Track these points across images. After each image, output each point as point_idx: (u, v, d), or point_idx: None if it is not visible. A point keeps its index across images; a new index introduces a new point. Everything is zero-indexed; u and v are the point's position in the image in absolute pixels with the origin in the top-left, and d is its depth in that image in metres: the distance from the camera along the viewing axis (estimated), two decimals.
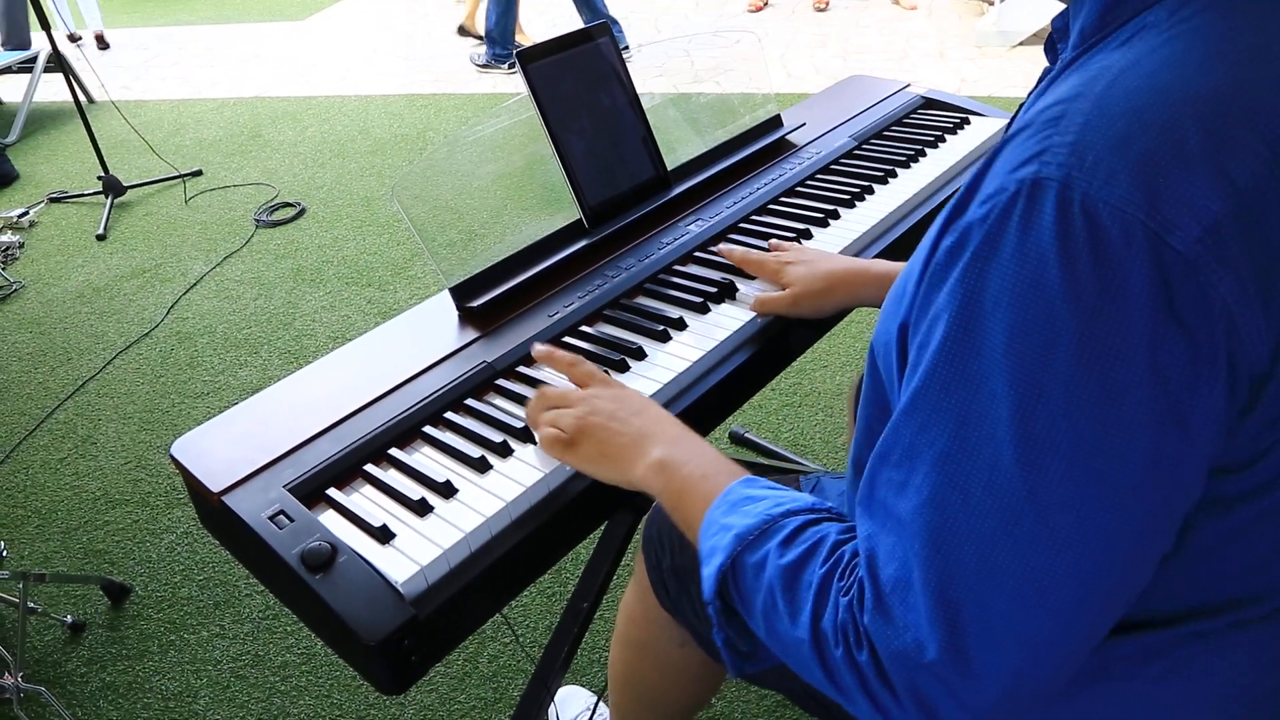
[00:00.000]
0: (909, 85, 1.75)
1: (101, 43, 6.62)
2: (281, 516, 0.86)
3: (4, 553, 1.90)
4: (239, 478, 0.91)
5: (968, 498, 0.54)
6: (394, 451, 0.94)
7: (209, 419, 1.02)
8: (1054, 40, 0.68)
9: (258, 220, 3.70)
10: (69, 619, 1.93)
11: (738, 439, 2.28)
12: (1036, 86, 0.68)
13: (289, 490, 0.89)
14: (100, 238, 3.72)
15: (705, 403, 1.01)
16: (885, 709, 0.59)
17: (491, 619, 1.86)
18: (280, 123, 4.80)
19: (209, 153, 4.47)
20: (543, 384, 1.03)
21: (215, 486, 0.90)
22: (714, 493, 0.75)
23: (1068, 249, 0.49)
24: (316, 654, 1.85)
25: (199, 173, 4.21)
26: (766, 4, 5.83)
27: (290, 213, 3.73)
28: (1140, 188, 0.48)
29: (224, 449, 0.96)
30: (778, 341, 1.11)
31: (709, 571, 0.72)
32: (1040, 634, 0.54)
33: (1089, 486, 0.51)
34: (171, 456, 0.97)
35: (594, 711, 1.59)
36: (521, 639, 1.84)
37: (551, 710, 1.63)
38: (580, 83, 1.27)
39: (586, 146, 1.26)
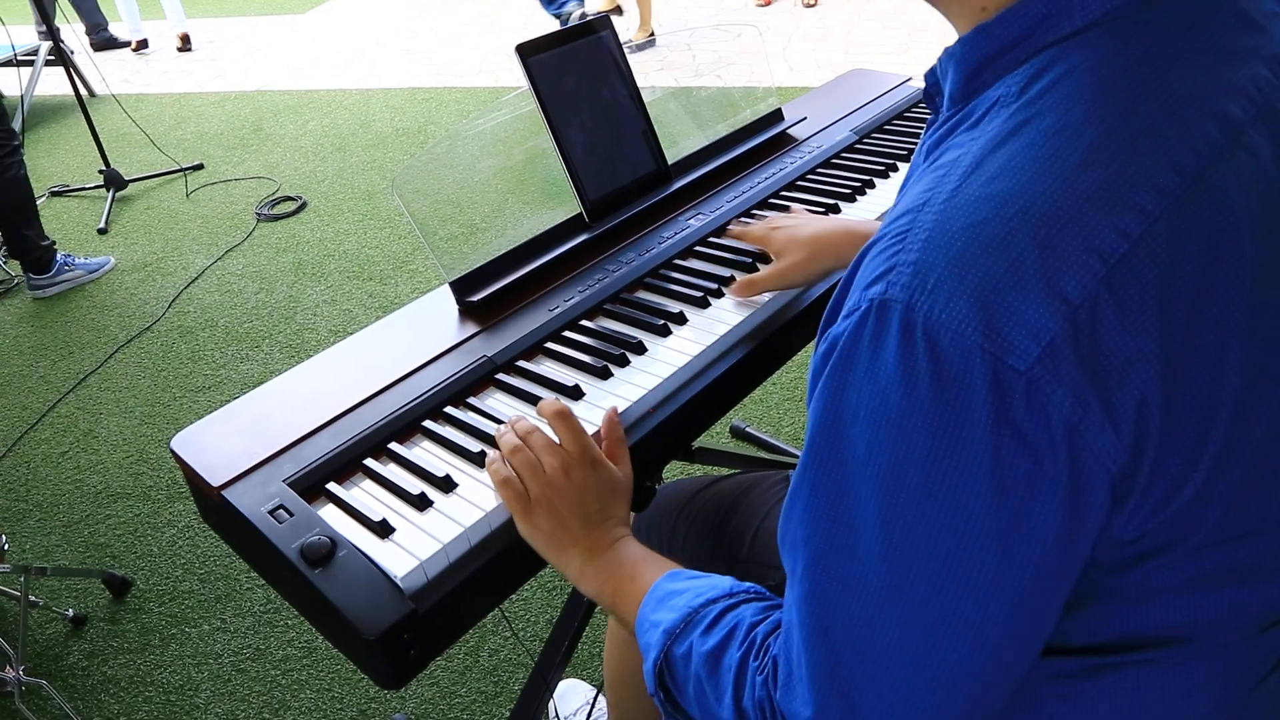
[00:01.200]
0: (910, 79, 1.75)
1: (186, 44, 6.23)
2: (281, 511, 0.86)
3: (5, 546, 1.90)
4: (239, 472, 0.91)
5: (844, 588, 0.57)
6: (394, 446, 0.94)
7: (211, 413, 1.02)
8: (930, 94, 0.68)
9: (259, 214, 3.70)
10: (70, 613, 1.94)
11: (739, 433, 2.28)
12: (918, 149, 0.68)
13: (289, 485, 0.89)
14: (101, 231, 3.72)
15: (705, 398, 1.01)
16: None
17: (492, 614, 1.86)
18: (281, 116, 4.79)
19: (210, 146, 4.47)
20: (537, 386, 1.03)
21: (215, 481, 0.91)
22: (642, 592, 0.78)
23: (911, 371, 0.51)
24: (317, 648, 1.85)
25: (200, 166, 4.21)
26: (772, 0, 5.80)
27: (291, 207, 3.73)
28: (978, 311, 0.49)
29: (224, 443, 0.96)
30: (779, 336, 1.10)
31: (647, 667, 0.75)
32: (931, 703, 0.56)
33: (948, 585, 0.53)
34: (172, 451, 0.97)
35: (593, 705, 1.59)
36: (521, 634, 1.84)
37: (551, 704, 1.64)
38: (581, 76, 1.27)
39: (587, 140, 1.26)
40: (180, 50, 6.20)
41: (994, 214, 0.51)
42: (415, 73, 5.28)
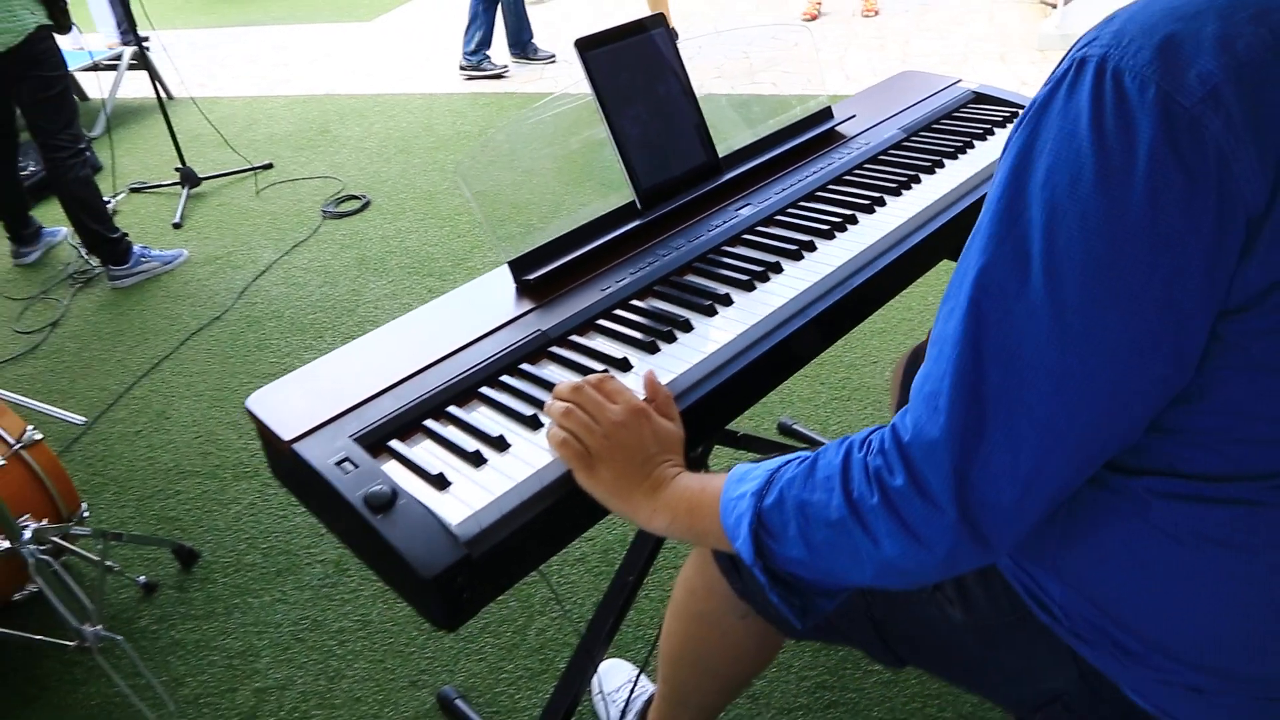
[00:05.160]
0: (960, 80, 1.77)
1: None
2: (347, 463, 0.92)
3: (85, 514, 2.01)
4: (308, 427, 0.97)
5: (1003, 304, 0.65)
6: (452, 409, 1.00)
7: None
8: None
9: (325, 211, 3.83)
10: (142, 579, 2.04)
11: (786, 430, 2.31)
12: None
13: (354, 440, 0.95)
14: (176, 226, 3.88)
15: (748, 374, 1.05)
16: (930, 529, 0.69)
17: (540, 595, 1.92)
18: (348, 119, 4.94)
19: (280, 147, 4.63)
20: (589, 359, 1.08)
21: (287, 435, 0.97)
22: (716, 496, 0.85)
23: (1098, 104, 0.62)
24: (371, 621, 1.93)
25: (270, 166, 4.37)
26: (819, 14, 5.82)
27: (356, 205, 3.86)
28: (1160, 59, 0.60)
29: (295, 402, 1.02)
30: (826, 318, 1.14)
31: (742, 538, 0.80)
32: (1055, 423, 0.65)
33: (1097, 289, 0.62)
34: (247, 409, 1.04)
35: (635, 684, 1.64)
36: (569, 614, 1.89)
37: (595, 680, 1.68)
38: (636, 71, 1.32)
39: (640, 131, 1.32)
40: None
41: (1188, 2, 0.62)
42: (479, 80, 5.40)
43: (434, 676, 1.80)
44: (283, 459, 0.99)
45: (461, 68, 5.38)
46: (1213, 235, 0.60)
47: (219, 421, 2.62)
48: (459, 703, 1.71)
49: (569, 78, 5.16)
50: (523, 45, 5.50)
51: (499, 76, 5.33)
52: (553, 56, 5.52)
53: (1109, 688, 0.81)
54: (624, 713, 1.58)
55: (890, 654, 1.01)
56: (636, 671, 1.69)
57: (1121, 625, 0.78)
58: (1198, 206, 0.59)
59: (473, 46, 5.30)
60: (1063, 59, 0.67)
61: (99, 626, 1.65)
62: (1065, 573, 0.80)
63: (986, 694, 0.97)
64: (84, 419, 1.76)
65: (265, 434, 1.02)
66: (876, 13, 5.67)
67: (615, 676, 1.70)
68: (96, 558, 1.87)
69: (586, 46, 1.28)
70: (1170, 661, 0.76)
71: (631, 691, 1.61)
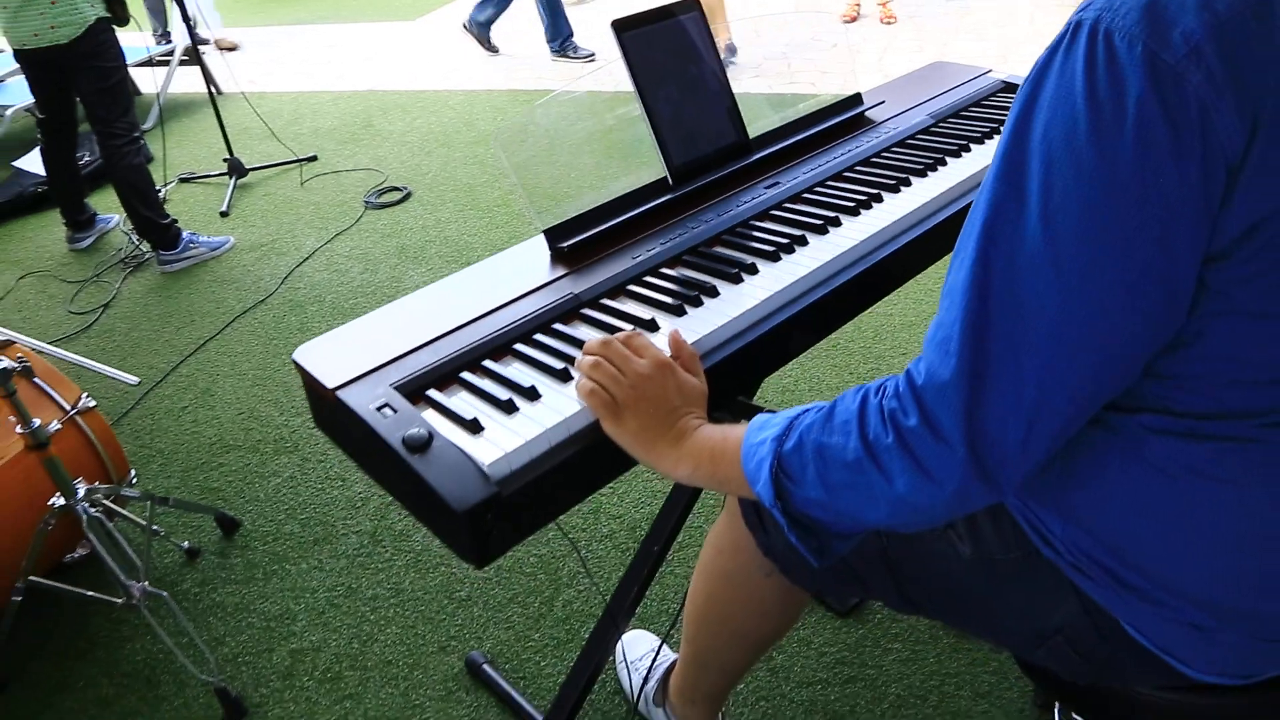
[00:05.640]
0: (990, 70, 1.80)
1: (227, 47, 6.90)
2: (387, 409, 0.98)
3: (134, 480, 2.09)
4: (351, 376, 1.03)
5: (1006, 251, 0.70)
6: (487, 363, 1.05)
7: None
8: None
9: (367, 202, 3.92)
10: (185, 545, 2.12)
11: None
12: None
13: (394, 388, 1.00)
14: (223, 214, 4.00)
15: (771, 339, 1.10)
16: (941, 466, 0.73)
17: (568, 566, 1.96)
18: (390, 114, 5.05)
19: (324, 140, 4.74)
20: (619, 320, 1.13)
21: (330, 384, 1.03)
22: (738, 443, 0.89)
23: (1091, 63, 0.67)
24: (404, 589, 1.99)
25: (314, 158, 4.47)
26: (859, 16, 5.83)
27: (397, 196, 3.95)
28: (1147, 19, 0.65)
29: (338, 355, 1.08)
30: (849, 289, 1.18)
31: (762, 481, 0.84)
32: (1056, 364, 0.69)
33: (1092, 233, 0.67)
34: (294, 361, 1.10)
35: (658, 653, 1.68)
36: (597, 585, 1.94)
37: (619, 649, 1.73)
38: (670, 52, 1.37)
39: (673, 110, 1.36)
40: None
41: None
42: (518, 76, 5.49)
43: (463, 643, 1.85)
44: (326, 406, 1.05)
45: (464, 26, 5.87)
46: (1199, 180, 0.64)
47: (261, 399, 2.70)
48: (486, 668, 1.77)
49: (609, 75, 5.22)
50: (562, 43, 5.58)
51: (493, 51, 5.78)
52: (593, 54, 5.59)
53: (1110, 622, 0.84)
54: (646, 679, 1.63)
55: (903, 598, 1.05)
56: (659, 642, 1.73)
57: (1121, 558, 0.81)
58: (1184, 153, 0.64)
59: (483, 17, 5.66)
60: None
61: (145, 583, 1.72)
62: (1065, 507, 0.83)
63: (993, 635, 1.00)
64: (137, 379, 1.83)
65: (311, 383, 1.07)
66: (895, 19, 5.66)
67: (638, 646, 1.74)
68: (143, 522, 1.95)
69: (623, 28, 1.33)
70: (1170, 595, 0.79)
71: (654, 660, 1.65)
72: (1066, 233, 0.67)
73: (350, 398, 1.01)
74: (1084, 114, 0.66)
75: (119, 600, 1.74)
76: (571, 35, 5.60)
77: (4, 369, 1.55)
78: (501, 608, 1.92)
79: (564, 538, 2.08)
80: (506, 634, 1.86)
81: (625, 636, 1.75)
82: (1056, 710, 1.54)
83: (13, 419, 1.63)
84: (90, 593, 1.84)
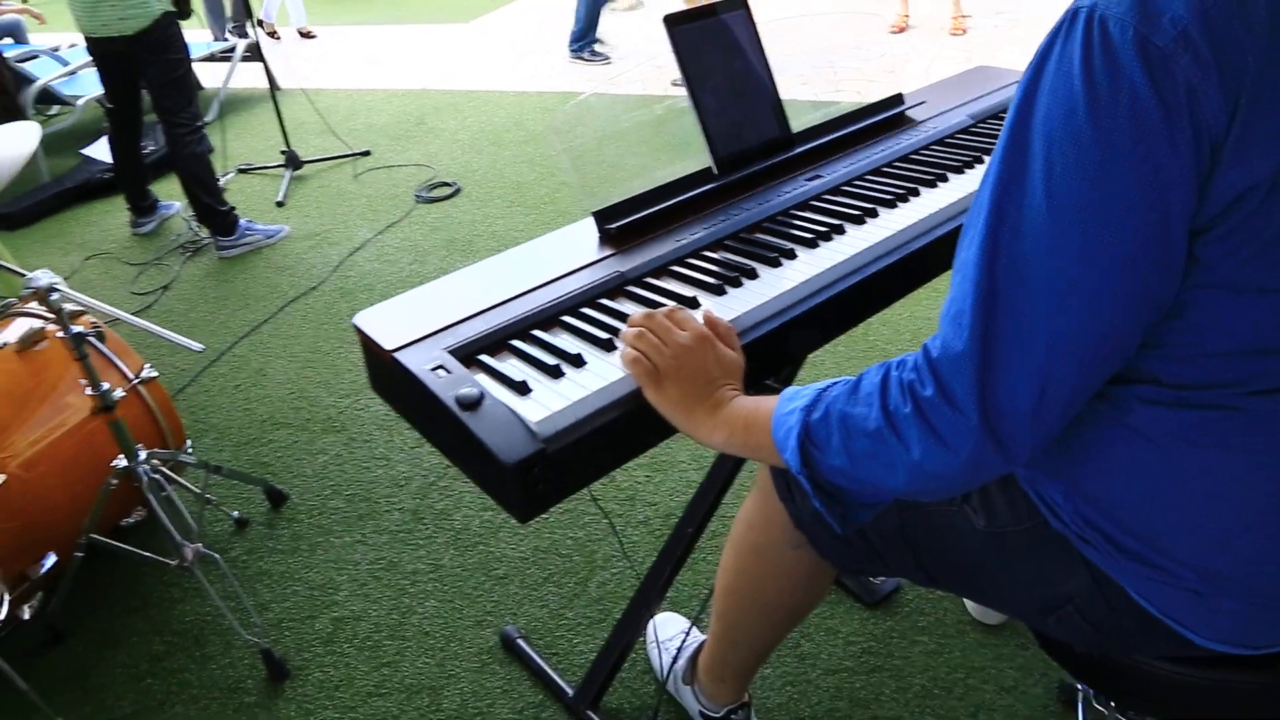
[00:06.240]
0: None
1: (306, 36, 7.43)
2: (441, 370, 1.04)
3: (190, 450, 2.18)
4: (408, 340, 1.09)
5: (1013, 226, 0.74)
6: (536, 332, 1.11)
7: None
8: None
9: (417, 196, 4.02)
10: (235, 514, 2.21)
11: None
12: None
13: (448, 352, 1.06)
14: (279, 204, 4.12)
15: (806, 319, 1.14)
16: (955, 433, 0.77)
17: (603, 549, 2.01)
18: (443, 112, 5.16)
19: (378, 136, 4.86)
20: (662, 297, 1.18)
21: (389, 346, 1.09)
22: (770, 412, 0.94)
23: (1087, 49, 0.71)
24: (444, 565, 2.05)
25: (368, 153, 4.59)
26: (908, 26, 5.83)
27: (447, 191, 4.04)
28: (1138, 6, 0.69)
29: (396, 320, 1.14)
30: (884, 277, 1.22)
31: (790, 449, 0.89)
32: (1060, 335, 0.73)
33: (1091, 206, 0.71)
34: (354, 325, 1.16)
35: (688, 634, 1.72)
36: (634, 565, 1.99)
37: (650, 629, 1.77)
38: (718, 47, 1.42)
39: (719, 103, 1.41)
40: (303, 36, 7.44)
41: None
42: (569, 77, 5.58)
43: (499, 619, 1.91)
44: (383, 367, 1.11)
45: (572, 58, 5.90)
46: (1190, 156, 0.69)
47: (311, 380, 2.79)
48: (520, 642, 1.82)
49: (654, 79, 5.29)
50: (581, 46, 5.70)
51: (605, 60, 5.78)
52: (608, 59, 5.70)
53: (1117, 590, 0.87)
54: (676, 658, 1.67)
55: (922, 572, 1.09)
56: (689, 624, 1.78)
57: (1120, 526, 0.84)
58: (1176, 131, 0.68)
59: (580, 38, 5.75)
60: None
61: (199, 545, 1.80)
62: (1066, 478, 0.87)
63: (1006, 605, 1.04)
64: (202, 346, 1.90)
65: (369, 346, 1.14)
66: (964, 31, 5.67)
67: (669, 627, 1.78)
68: (197, 490, 2.04)
69: (674, 22, 1.39)
70: (1169, 561, 0.83)
71: (684, 641, 1.70)
72: (1069, 207, 0.71)
73: (407, 359, 1.07)
74: (1082, 96, 0.70)
75: (172, 562, 1.82)
76: (594, 41, 5.72)
77: (79, 334, 1.64)
78: (537, 586, 1.97)
79: (603, 517, 2.13)
80: (541, 611, 1.91)
81: (657, 618, 1.80)
82: (1080, 706, 1.56)
83: (83, 381, 1.72)
84: (147, 553, 1.93)
